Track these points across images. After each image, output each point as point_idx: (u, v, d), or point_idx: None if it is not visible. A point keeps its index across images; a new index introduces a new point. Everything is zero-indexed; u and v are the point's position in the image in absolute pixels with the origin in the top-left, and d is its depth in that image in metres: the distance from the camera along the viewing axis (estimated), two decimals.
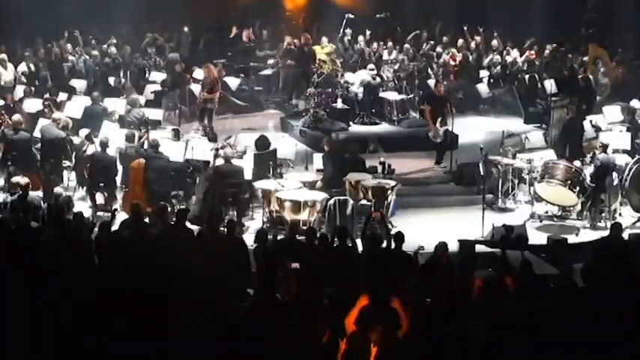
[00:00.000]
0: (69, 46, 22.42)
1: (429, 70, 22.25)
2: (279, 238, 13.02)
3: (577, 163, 15.55)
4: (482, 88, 22.09)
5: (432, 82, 21.14)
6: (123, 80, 21.30)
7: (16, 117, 16.40)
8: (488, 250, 13.52)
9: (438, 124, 17.22)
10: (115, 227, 12.55)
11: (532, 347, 8.98)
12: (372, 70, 20.72)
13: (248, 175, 15.20)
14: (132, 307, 9.12)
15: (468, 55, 23.14)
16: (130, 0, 22.76)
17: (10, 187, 14.10)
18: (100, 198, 15.23)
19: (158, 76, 21.55)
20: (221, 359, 8.96)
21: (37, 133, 16.20)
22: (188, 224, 12.96)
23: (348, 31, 23.89)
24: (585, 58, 22.67)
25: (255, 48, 24.07)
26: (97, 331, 8.98)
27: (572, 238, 14.48)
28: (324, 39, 22.47)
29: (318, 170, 16.06)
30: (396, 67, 21.78)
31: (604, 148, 15.46)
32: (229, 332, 9.13)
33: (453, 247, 12.84)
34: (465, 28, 23.90)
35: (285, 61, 22.58)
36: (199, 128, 18.90)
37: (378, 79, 20.82)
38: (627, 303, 9.33)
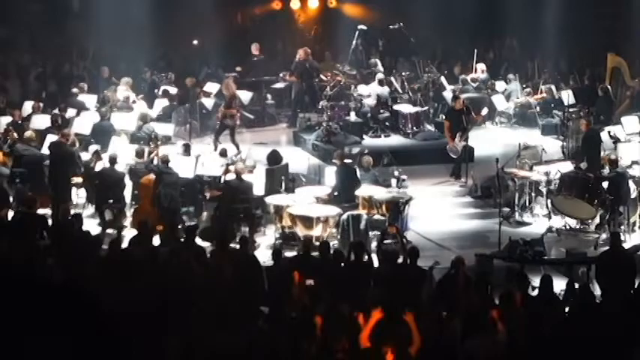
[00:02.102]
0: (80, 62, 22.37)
1: (444, 82, 21.95)
2: (293, 254, 12.80)
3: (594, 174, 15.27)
4: (499, 100, 21.82)
5: (447, 94, 20.86)
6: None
7: (28, 133, 16.29)
8: (506, 264, 13.32)
9: (457, 140, 16.97)
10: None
11: None
12: None
13: (259, 190, 14.97)
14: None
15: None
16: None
17: (18, 204, 13.98)
18: (108, 214, 15.00)
19: (169, 91, 21.31)
20: None
21: (45, 150, 16.02)
22: (199, 241, 12.78)
23: (361, 42, 23.64)
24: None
25: (266, 61, 23.85)
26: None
27: (590, 252, 14.15)
28: (327, 55, 22.35)
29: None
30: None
31: (612, 163, 15.17)
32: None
33: (470, 261, 12.65)
34: (476, 50, 23.45)
35: (295, 74, 22.30)
36: (210, 143, 18.63)
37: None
38: None
